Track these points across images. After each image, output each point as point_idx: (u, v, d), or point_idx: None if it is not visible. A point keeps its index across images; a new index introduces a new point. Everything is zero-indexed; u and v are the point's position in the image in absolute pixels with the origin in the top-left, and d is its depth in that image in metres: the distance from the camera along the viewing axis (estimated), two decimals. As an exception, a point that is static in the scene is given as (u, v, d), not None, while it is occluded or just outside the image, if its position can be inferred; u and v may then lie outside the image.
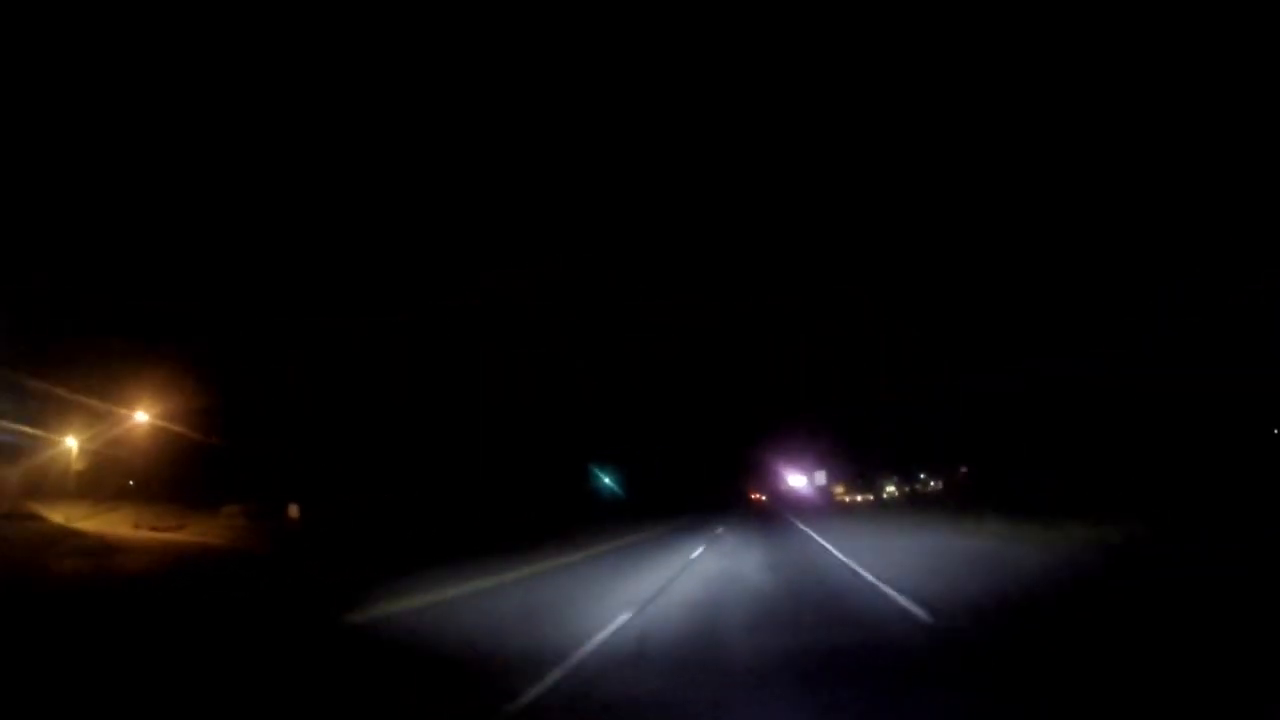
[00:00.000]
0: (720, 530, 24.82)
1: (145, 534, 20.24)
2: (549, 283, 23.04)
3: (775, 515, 39.34)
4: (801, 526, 25.19)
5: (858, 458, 54.74)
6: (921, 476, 48.04)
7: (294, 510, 23.89)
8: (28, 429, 20.60)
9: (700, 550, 16.00)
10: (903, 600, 7.54)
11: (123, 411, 21.69)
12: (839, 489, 60.13)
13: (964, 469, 37.35)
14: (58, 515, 20.53)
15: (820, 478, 60.24)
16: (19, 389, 19.57)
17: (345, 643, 7.27)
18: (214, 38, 11.73)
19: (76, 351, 21.20)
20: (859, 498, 54.46)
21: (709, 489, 60.55)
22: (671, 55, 14.82)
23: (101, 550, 14.06)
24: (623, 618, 7.52)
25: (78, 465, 23.54)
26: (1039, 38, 15.28)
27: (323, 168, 14.65)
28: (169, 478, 24.60)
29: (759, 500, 72.57)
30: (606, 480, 44.57)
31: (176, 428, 21.87)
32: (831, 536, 18.50)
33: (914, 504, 35.94)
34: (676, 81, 15.88)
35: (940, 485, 43.72)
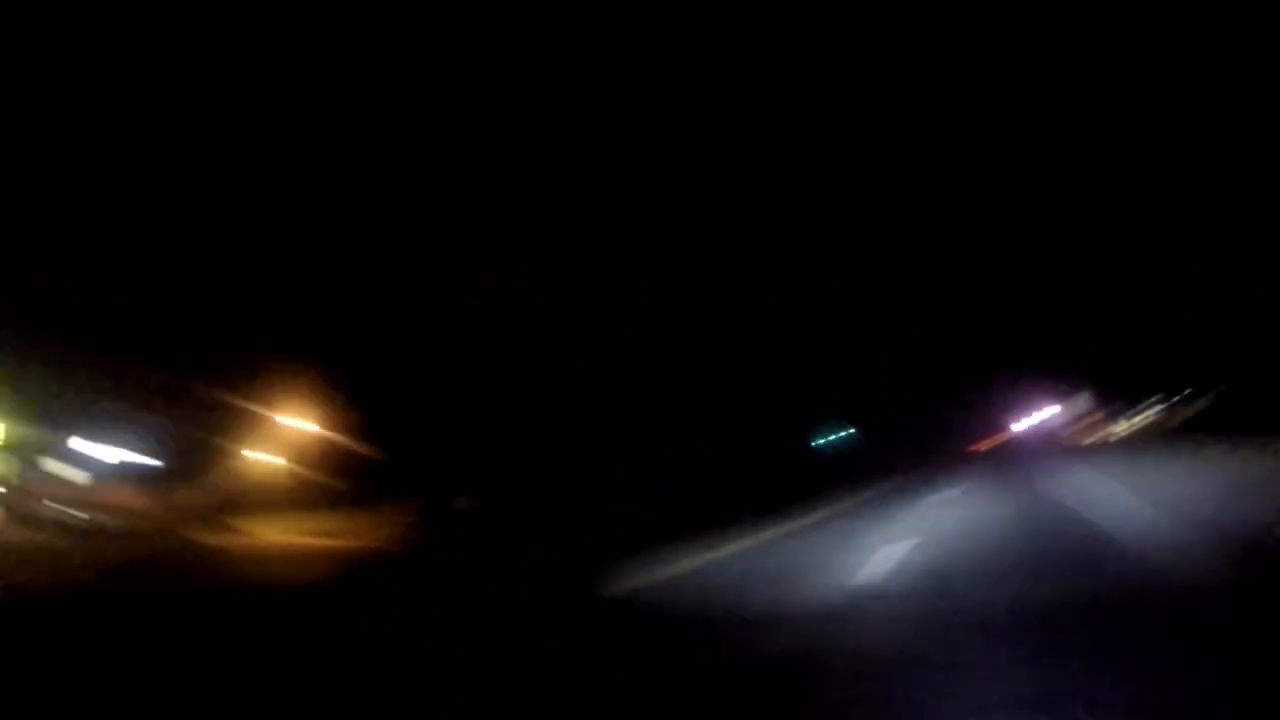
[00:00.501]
0: (955, 493, 20.59)
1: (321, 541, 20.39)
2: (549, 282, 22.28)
3: (1027, 461, 32.90)
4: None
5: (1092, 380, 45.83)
6: (1185, 393, 38.41)
7: (461, 502, 23.39)
8: (213, 439, 21.23)
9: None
10: None
11: (295, 422, 22.13)
12: (1085, 420, 50.85)
13: (1223, 387, 29.38)
14: (262, 528, 21.09)
15: (1063, 409, 52.02)
16: (201, 399, 20.17)
17: (610, 612, 7.71)
18: (214, 37, 12.44)
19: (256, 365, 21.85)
20: (1111, 429, 45.23)
21: (939, 434, 55.57)
22: (671, 55, 14.57)
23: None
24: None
25: (270, 478, 24.35)
26: (1039, 38, 14.92)
27: (323, 168, 15.03)
28: (344, 483, 25.17)
29: (996, 442, 63.27)
30: (831, 436, 41.04)
31: (343, 437, 22.06)
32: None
33: (1184, 431, 28.31)
34: (676, 82, 15.50)
35: (1200, 406, 35.00)
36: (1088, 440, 43.62)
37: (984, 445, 61.09)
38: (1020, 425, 57.14)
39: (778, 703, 4.14)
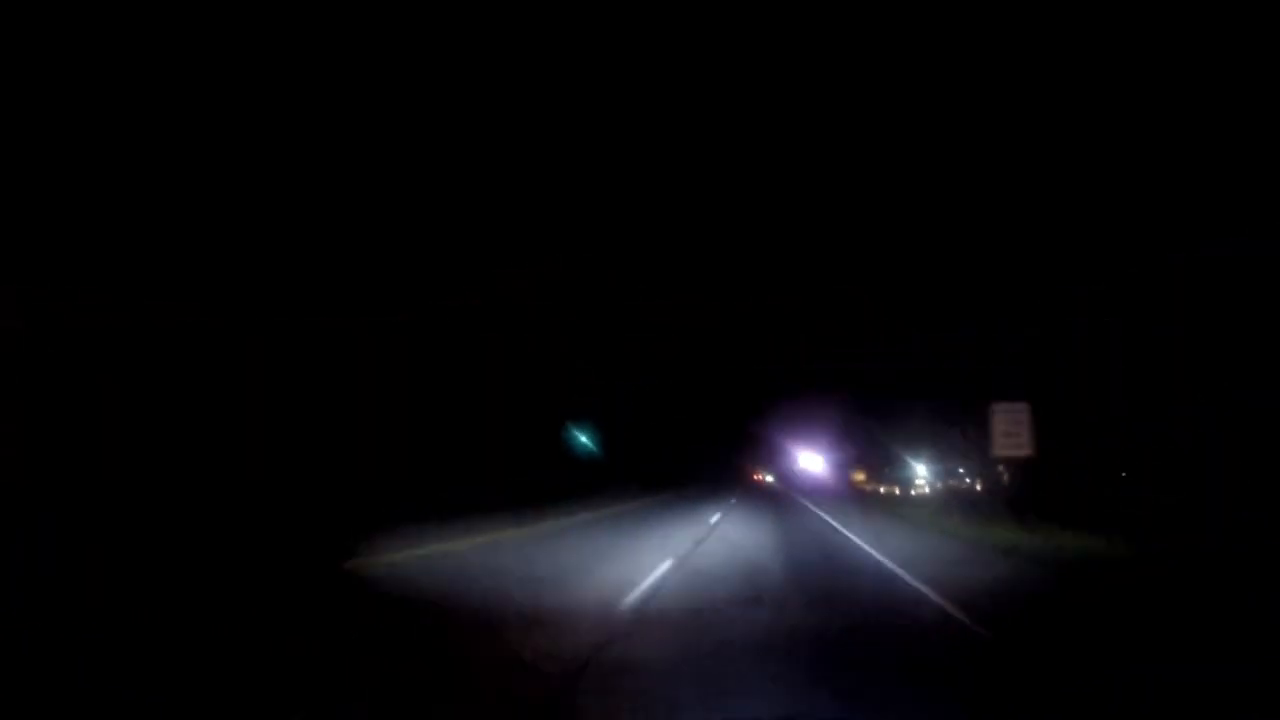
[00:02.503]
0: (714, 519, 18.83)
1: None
2: (549, 282, 22.62)
3: (787, 502, 31.61)
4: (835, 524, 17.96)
5: (878, 443, 46.86)
6: (960, 471, 40.89)
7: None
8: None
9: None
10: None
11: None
12: (860, 476, 49.65)
13: (1001, 468, 31.02)
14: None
15: (835, 460, 50.73)
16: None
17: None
18: (215, 34, 12.63)
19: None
20: (882, 489, 47.17)
21: (702, 461, 52.24)
22: (671, 55, 15.18)
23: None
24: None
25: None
26: (1040, 39, 14.17)
27: (324, 169, 15.15)
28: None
29: (763, 481, 60.05)
30: (584, 440, 37.58)
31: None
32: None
33: (957, 502, 29.26)
34: (676, 82, 15.68)
35: (978, 484, 37.06)
36: (856, 491, 45.04)
37: (759, 477, 60.51)
38: (793, 468, 56.88)
39: (532, 711, 3.97)
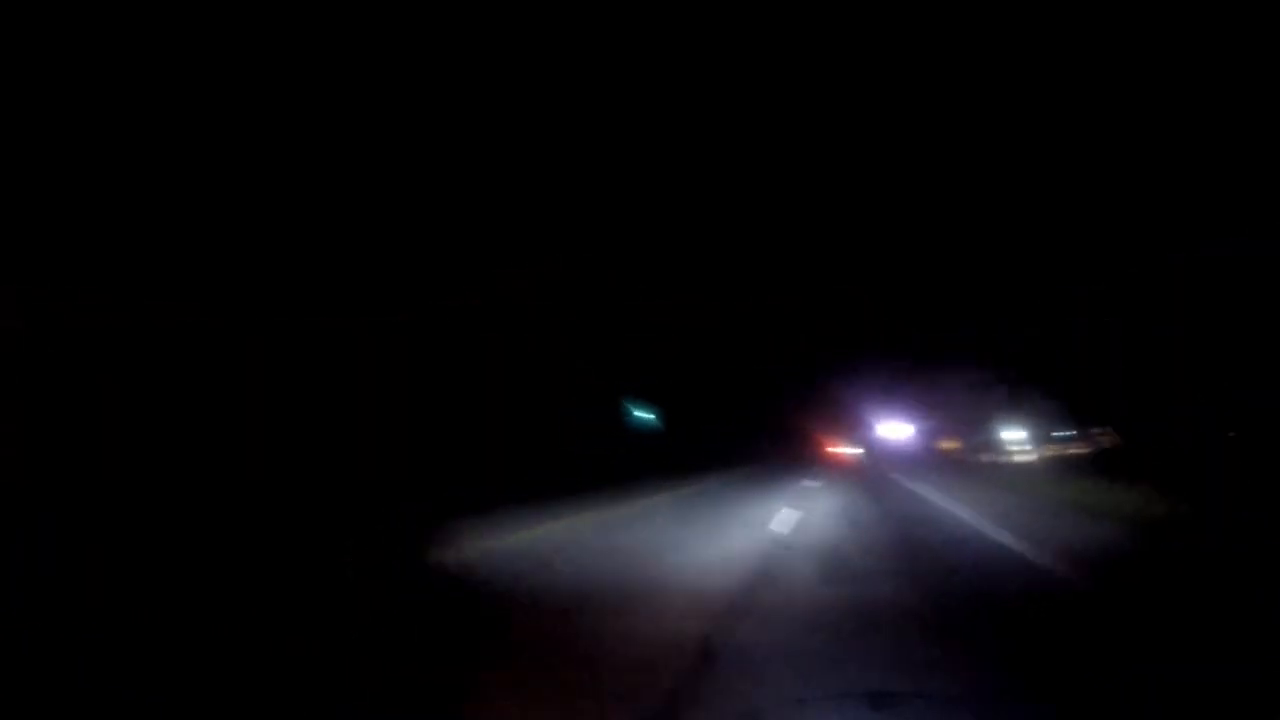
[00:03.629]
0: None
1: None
2: (549, 283, 22.59)
3: (878, 477, 27.21)
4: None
5: (964, 405, 40.86)
6: (1068, 434, 35.61)
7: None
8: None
9: None
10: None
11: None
12: (951, 444, 45.64)
13: (1107, 429, 28.22)
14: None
15: (921, 428, 46.31)
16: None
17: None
18: (214, 33, 12.50)
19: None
20: (983, 457, 41.75)
21: (769, 434, 46.67)
22: (671, 55, 15.15)
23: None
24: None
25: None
26: (1040, 39, 13.93)
27: (323, 169, 15.11)
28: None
29: (842, 455, 49.21)
30: (643, 415, 36.01)
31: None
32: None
33: (1065, 468, 23.31)
34: (676, 82, 15.62)
35: (1085, 446, 32.30)
36: (955, 461, 40.90)
37: (834, 450, 54.18)
38: (874, 436, 51.98)
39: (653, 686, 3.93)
